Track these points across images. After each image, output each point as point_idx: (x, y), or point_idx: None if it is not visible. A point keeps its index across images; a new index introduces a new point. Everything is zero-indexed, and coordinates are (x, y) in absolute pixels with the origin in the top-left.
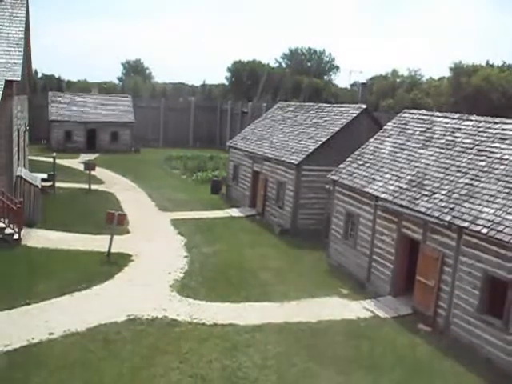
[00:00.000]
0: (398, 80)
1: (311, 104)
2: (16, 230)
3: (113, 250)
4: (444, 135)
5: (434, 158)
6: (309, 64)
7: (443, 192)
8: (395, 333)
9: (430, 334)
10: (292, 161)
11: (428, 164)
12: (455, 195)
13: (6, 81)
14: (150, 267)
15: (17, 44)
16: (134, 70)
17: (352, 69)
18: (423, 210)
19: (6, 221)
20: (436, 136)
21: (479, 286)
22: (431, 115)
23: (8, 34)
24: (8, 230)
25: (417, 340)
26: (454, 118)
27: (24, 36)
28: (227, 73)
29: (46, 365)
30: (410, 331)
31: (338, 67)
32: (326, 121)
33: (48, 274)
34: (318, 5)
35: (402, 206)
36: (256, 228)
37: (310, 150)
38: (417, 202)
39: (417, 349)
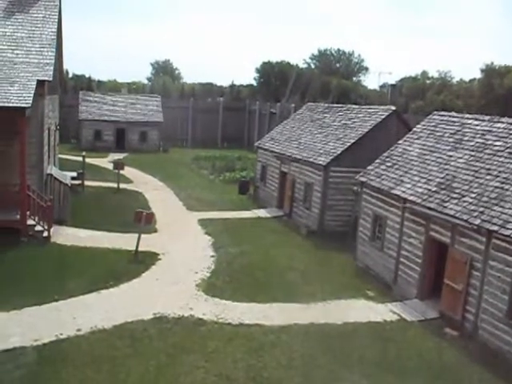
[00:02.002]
0: (427, 82)
1: (340, 105)
2: (46, 227)
3: (140, 249)
4: (474, 137)
5: (463, 160)
6: (338, 65)
7: (473, 195)
8: (422, 336)
9: (457, 339)
10: (320, 162)
11: (457, 167)
12: (485, 198)
13: (38, 80)
14: (177, 266)
15: (49, 45)
16: (163, 71)
17: (381, 70)
18: (452, 212)
19: (36, 218)
20: (466, 138)
21: (508, 291)
22: (461, 117)
23: (41, 34)
24: (38, 228)
25: (443, 344)
26: (484, 120)
27: (56, 37)
28: (256, 73)
29: (74, 360)
30: (437, 335)
31: (367, 68)
32: (354, 122)
33: (76, 271)
34: (348, 5)
35: (430, 208)
36: (283, 229)
37: (338, 152)
38: (445, 204)
39: (443, 353)
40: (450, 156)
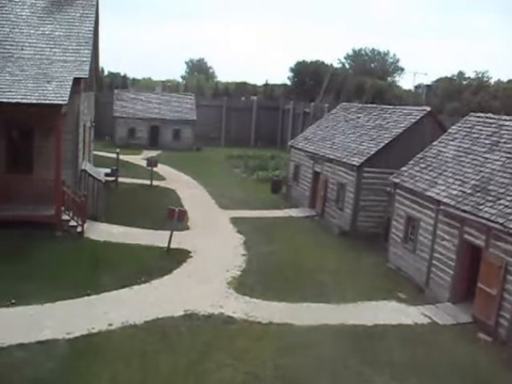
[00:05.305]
0: (464, 82)
1: (374, 106)
2: (80, 222)
3: (172, 246)
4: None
5: (500, 162)
6: (372, 65)
7: (509, 198)
8: (453, 341)
9: (490, 345)
10: (353, 162)
11: (493, 169)
12: None
13: (74, 78)
14: (208, 264)
15: (86, 43)
16: (198, 69)
17: (417, 70)
18: (487, 216)
19: (71, 213)
20: (503, 140)
21: None
22: (498, 119)
23: (78, 33)
24: (72, 223)
25: (476, 350)
26: None
27: (93, 35)
28: (290, 73)
29: (105, 354)
30: (470, 340)
31: (402, 69)
32: (388, 123)
33: (109, 266)
34: (383, 5)
35: (464, 211)
36: (315, 229)
37: (372, 152)
38: (480, 207)
39: (476, 359)
40: (486, 158)
